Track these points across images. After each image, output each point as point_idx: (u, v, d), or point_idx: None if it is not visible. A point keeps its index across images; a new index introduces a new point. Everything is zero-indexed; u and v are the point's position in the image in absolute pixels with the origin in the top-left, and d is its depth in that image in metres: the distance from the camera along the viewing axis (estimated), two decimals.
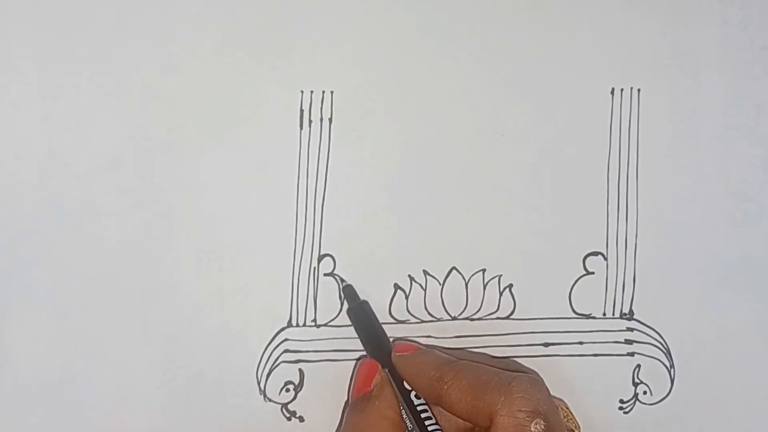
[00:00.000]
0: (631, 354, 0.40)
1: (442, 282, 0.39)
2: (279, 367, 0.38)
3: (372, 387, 0.35)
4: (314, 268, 0.39)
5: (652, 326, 0.40)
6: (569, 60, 0.40)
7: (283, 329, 0.38)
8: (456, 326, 0.39)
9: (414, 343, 0.38)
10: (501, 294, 0.40)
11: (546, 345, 0.40)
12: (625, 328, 0.40)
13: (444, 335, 0.39)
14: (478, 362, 0.35)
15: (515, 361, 0.39)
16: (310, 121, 0.39)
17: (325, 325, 0.39)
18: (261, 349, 0.38)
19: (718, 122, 0.41)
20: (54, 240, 0.37)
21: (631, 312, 0.40)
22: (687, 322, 0.40)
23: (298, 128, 0.39)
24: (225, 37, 0.38)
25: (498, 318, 0.40)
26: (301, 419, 0.38)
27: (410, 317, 0.39)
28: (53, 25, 0.37)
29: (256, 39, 0.39)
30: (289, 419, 0.38)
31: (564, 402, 0.37)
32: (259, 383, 0.38)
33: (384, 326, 0.38)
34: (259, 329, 0.38)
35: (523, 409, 0.31)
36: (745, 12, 0.42)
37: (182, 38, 0.38)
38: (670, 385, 0.41)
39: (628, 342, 0.40)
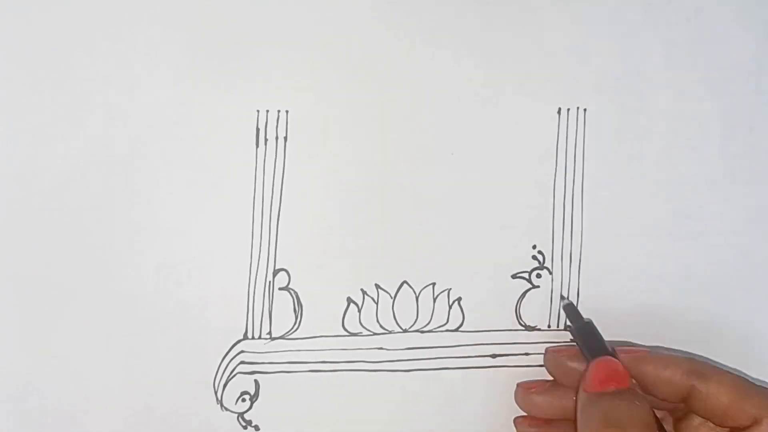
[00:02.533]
0: None
1: (393, 295, 0.41)
2: (235, 377, 0.40)
3: (629, 384, 0.35)
4: (269, 282, 0.40)
5: None
6: (517, 80, 0.42)
7: (239, 341, 0.40)
8: (407, 338, 0.41)
9: (640, 347, 0.39)
10: (450, 307, 0.41)
11: (493, 356, 0.41)
12: (569, 340, 0.41)
13: (395, 347, 0.41)
14: None
15: None
16: (266, 140, 0.40)
17: (280, 337, 0.40)
18: (218, 360, 0.39)
19: (662, 141, 0.42)
20: (15, 254, 0.38)
21: None
22: (629, 335, 0.41)
23: (254, 146, 0.40)
24: (184, 57, 0.39)
25: (447, 330, 0.41)
26: (257, 428, 0.40)
27: (363, 330, 0.40)
28: (16, 44, 0.38)
29: (214, 60, 0.40)
30: (245, 428, 0.40)
31: None
32: (216, 393, 0.39)
33: (336, 339, 0.40)
34: (216, 341, 0.39)
35: None
36: (690, 34, 0.43)
37: (143, 59, 0.39)
38: None
39: None
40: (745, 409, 0.34)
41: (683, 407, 0.36)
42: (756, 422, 0.34)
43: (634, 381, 0.36)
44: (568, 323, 0.40)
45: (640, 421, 0.33)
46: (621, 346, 0.38)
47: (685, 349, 0.42)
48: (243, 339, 0.40)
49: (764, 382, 0.42)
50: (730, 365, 0.42)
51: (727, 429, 0.35)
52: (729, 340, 0.42)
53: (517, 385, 0.39)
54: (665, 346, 0.41)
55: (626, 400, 0.34)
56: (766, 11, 0.43)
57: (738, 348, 0.42)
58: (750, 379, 0.35)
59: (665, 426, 0.36)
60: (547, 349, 0.40)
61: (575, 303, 0.41)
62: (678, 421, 0.38)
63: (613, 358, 0.36)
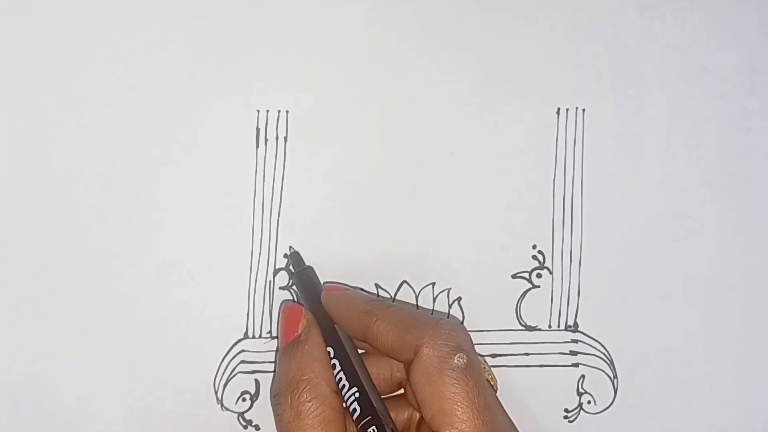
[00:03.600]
0: (576, 365, 0.42)
1: (393, 295, 0.41)
2: (236, 377, 0.40)
3: (299, 331, 0.36)
4: (270, 281, 0.40)
5: (596, 338, 0.42)
6: (517, 80, 0.42)
7: (239, 341, 0.40)
8: None
9: (343, 285, 0.39)
10: (450, 307, 0.41)
11: (493, 356, 0.41)
12: (570, 340, 0.42)
13: None
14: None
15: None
16: (266, 140, 0.40)
17: None
18: (218, 359, 0.39)
19: (660, 141, 0.43)
20: (15, 254, 0.38)
21: (575, 324, 0.42)
22: (629, 333, 0.42)
23: (255, 146, 0.40)
24: (185, 58, 0.40)
25: None
26: (257, 428, 0.40)
27: None
28: (15, 43, 0.39)
29: (214, 60, 0.40)
30: (245, 428, 0.40)
31: (483, 358, 0.39)
32: (216, 393, 0.39)
33: None
34: (217, 341, 0.39)
35: (448, 343, 0.33)
36: (686, 34, 0.43)
37: (143, 58, 0.39)
38: (613, 394, 0.42)
39: (573, 353, 0.42)
40: (406, 343, 0.33)
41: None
42: (416, 353, 0.33)
43: (306, 321, 0.36)
44: (292, 269, 0.40)
45: (291, 379, 0.34)
46: (332, 284, 0.39)
47: (684, 350, 0.42)
48: (243, 338, 0.40)
49: (765, 383, 0.43)
50: (730, 365, 0.42)
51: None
52: (728, 339, 0.43)
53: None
54: (665, 343, 0.42)
55: (288, 355, 0.35)
56: (760, 12, 0.44)
57: (738, 348, 0.43)
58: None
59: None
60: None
61: (576, 303, 0.42)
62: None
63: (294, 305, 0.37)
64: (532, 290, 0.41)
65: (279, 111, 0.40)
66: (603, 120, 0.42)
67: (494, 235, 0.41)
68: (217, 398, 0.39)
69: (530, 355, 0.41)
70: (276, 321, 0.40)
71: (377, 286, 0.41)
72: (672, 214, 0.42)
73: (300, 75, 0.41)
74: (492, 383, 0.36)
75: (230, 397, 0.39)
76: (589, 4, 0.42)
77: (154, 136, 0.39)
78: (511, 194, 0.42)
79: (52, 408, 0.38)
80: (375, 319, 0.34)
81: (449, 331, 0.33)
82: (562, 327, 0.42)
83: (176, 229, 0.39)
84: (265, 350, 0.40)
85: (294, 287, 0.40)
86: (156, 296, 0.39)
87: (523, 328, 0.41)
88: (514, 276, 0.41)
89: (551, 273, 0.42)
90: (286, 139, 0.40)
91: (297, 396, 0.34)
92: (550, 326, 0.42)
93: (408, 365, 0.34)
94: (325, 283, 0.39)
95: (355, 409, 0.34)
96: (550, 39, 0.42)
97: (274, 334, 0.40)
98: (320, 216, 0.40)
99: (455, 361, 0.32)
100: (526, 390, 0.41)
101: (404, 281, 0.41)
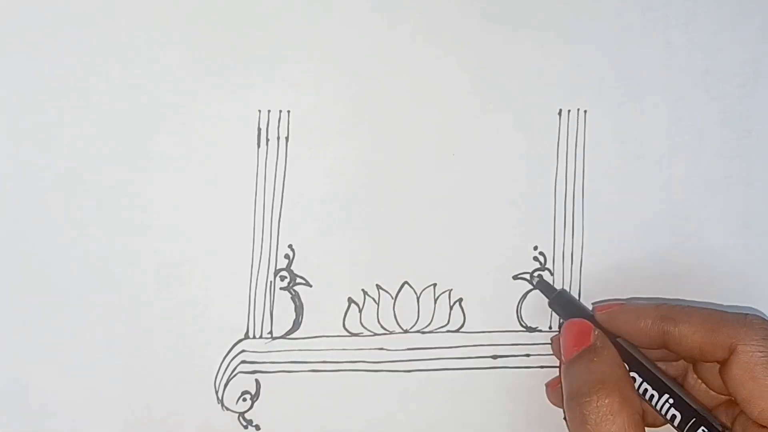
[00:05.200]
0: None
1: (394, 296, 0.41)
2: (236, 377, 0.40)
3: (593, 340, 0.36)
4: (270, 282, 0.40)
5: None
6: (518, 82, 0.42)
7: (240, 341, 0.40)
8: (408, 339, 0.41)
9: (611, 301, 0.40)
10: (451, 308, 0.41)
11: (494, 357, 0.41)
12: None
13: (396, 348, 0.41)
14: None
15: None
16: (267, 140, 0.40)
17: (281, 337, 0.40)
18: (219, 359, 0.39)
19: (661, 143, 0.42)
20: (16, 252, 0.38)
21: None
22: None
23: (256, 146, 0.40)
24: (186, 58, 0.40)
25: (448, 331, 0.41)
26: (258, 428, 0.40)
27: (363, 330, 0.40)
28: (17, 42, 0.39)
29: (215, 60, 0.40)
30: (245, 427, 0.40)
31: None
32: (217, 393, 0.39)
33: (337, 339, 0.40)
34: (217, 341, 0.40)
35: (767, 338, 0.33)
36: (689, 36, 0.43)
37: (145, 59, 0.39)
38: None
39: None
40: (718, 342, 0.34)
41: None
42: (732, 352, 0.33)
43: (597, 333, 0.36)
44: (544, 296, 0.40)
45: (595, 379, 0.34)
46: (600, 304, 0.39)
47: None
48: (244, 338, 0.40)
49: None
50: None
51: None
52: None
53: (546, 385, 0.40)
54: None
55: (584, 360, 0.35)
56: (762, 14, 0.44)
57: None
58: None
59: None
60: (553, 339, 0.40)
61: None
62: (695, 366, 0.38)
63: (579, 319, 0.37)
64: (533, 291, 0.41)
65: (280, 111, 0.40)
66: (604, 121, 0.42)
67: (495, 236, 0.41)
68: (218, 398, 0.39)
69: (531, 357, 0.41)
70: (558, 340, 0.38)
71: (378, 287, 0.41)
72: (673, 216, 0.42)
73: (301, 75, 0.40)
74: None
75: (231, 397, 0.39)
76: (591, 6, 0.42)
77: (155, 136, 0.39)
78: (512, 195, 0.41)
79: (53, 408, 0.38)
80: (676, 323, 0.35)
81: (763, 325, 0.33)
82: None
83: (177, 229, 0.40)
84: (265, 351, 0.40)
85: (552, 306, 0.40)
86: (156, 296, 0.39)
87: (524, 329, 0.41)
88: (515, 277, 0.41)
89: (552, 274, 0.42)
90: (287, 139, 0.40)
91: (605, 397, 0.33)
92: (550, 327, 0.41)
93: (722, 364, 0.34)
94: (593, 304, 0.40)
95: (674, 416, 0.34)
96: (552, 40, 0.42)
97: (275, 334, 0.40)
98: (321, 216, 0.40)
99: None
100: (527, 391, 0.41)
101: (405, 282, 0.41)
